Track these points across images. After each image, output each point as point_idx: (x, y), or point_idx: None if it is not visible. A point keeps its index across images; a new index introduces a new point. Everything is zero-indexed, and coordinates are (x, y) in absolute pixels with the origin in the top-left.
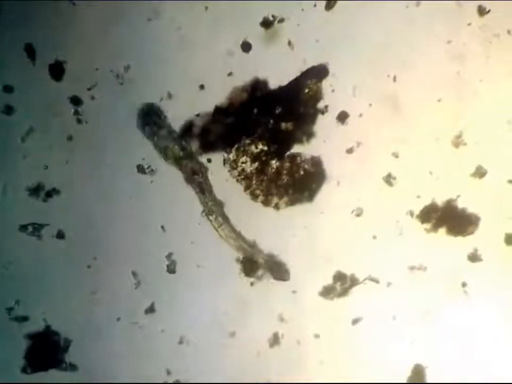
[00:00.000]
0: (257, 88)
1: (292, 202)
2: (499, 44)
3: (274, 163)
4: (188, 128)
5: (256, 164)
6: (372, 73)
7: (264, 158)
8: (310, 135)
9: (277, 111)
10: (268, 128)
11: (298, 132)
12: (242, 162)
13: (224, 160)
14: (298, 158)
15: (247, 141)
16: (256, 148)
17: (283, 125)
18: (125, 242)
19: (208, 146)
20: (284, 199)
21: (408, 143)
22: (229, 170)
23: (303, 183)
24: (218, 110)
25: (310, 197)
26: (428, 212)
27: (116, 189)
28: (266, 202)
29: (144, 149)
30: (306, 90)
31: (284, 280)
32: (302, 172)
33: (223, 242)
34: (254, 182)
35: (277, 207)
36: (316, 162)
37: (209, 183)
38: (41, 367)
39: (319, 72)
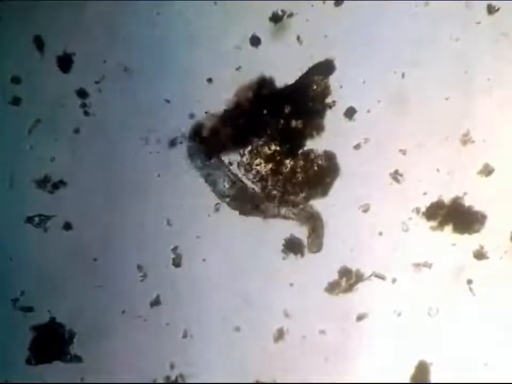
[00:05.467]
0: (263, 86)
1: (307, 199)
2: (507, 43)
3: (288, 162)
4: (197, 131)
5: (271, 165)
6: (380, 69)
7: (278, 158)
8: (320, 129)
9: (286, 110)
10: (278, 128)
11: (308, 129)
12: (256, 165)
13: (238, 163)
14: (312, 154)
15: (260, 143)
16: (269, 149)
17: (293, 123)
18: (131, 235)
19: (217, 149)
20: (299, 196)
21: (415, 140)
22: (244, 174)
23: (317, 178)
24: (227, 113)
25: (324, 192)
26: (435, 209)
27: (123, 182)
28: (283, 202)
29: (151, 142)
30: (314, 87)
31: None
32: (315, 168)
33: (228, 237)
34: (269, 183)
35: (293, 204)
36: (329, 157)
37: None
38: (46, 358)
39: (325, 68)
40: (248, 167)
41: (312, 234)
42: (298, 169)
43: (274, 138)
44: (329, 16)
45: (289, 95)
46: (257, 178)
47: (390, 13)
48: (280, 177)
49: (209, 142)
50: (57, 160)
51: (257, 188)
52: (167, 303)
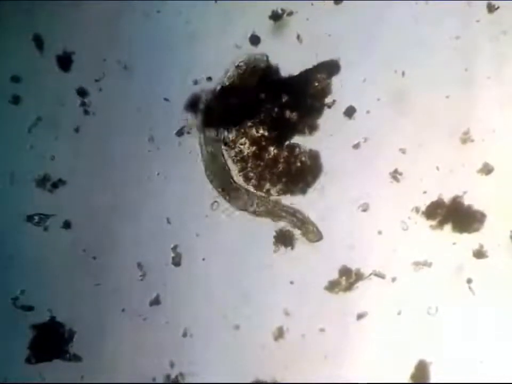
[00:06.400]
0: (267, 74)
1: (284, 191)
2: (507, 41)
3: (272, 150)
4: (193, 102)
5: (254, 148)
6: (380, 68)
7: (263, 143)
8: (313, 128)
9: (283, 99)
10: (272, 115)
11: (301, 123)
12: (241, 144)
13: (223, 138)
14: (297, 149)
15: (249, 124)
16: (257, 132)
17: (287, 114)
18: (131, 234)
19: (210, 123)
20: (276, 187)
21: (415, 139)
22: (226, 150)
23: (298, 174)
24: (225, 89)
25: (304, 190)
26: (434, 208)
27: (122, 181)
28: (258, 187)
29: (151, 141)
30: (316, 84)
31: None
32: (298, 164)
33: (227, 235)
34: (249, 165)
35: (268, 193)
36: (313, 156)
37: None
38: (45, 357)
39: (330, 68)
40: (231, 144)
41: (302, 226)
42: (281, 160)
43: (264, 123)
44: (329, 14)
45: (290, 85)
46: (238, 158)
47: (390, 12)
48: (261, 163)
49: (203, 115)
50: (57, 158)
51: (236, 168)
52: (167, 302)
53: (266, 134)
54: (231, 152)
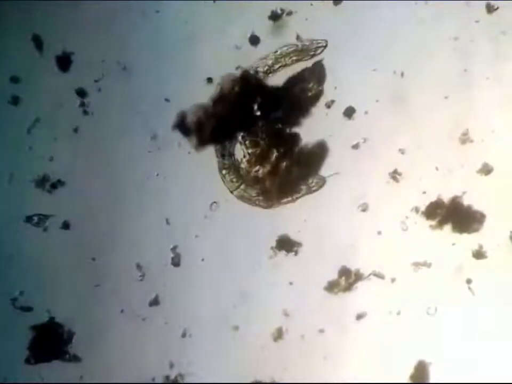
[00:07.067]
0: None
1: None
2: (506, 41)
3: (284, 164)
4: (181, 121)
5: (268, 167)
6: (379, 68)
7: (275, 162)
8: (314, 130)
9: (279, 114)
10: (273, 132)
11: (302, 130)
12: (256, 171)
13: (238, 170)
14: (304, 148)
15: (257, 151)
16: (268, 156)
17: (287, 127)
18: (130, 235)
19: (204, 140)
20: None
21: (414, 139)
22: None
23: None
24: (214, 104)
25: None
26: (434, 208)
27: (121, 181)
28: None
29: (150, 142)
30: (309, 94)
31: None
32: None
33: (227, 236)
34: (267, 184)
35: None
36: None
37: None
38: (45, 358)
39: (319, 74)
40: (247, 173)
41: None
42: (294, 167)
43: (271, 145)
44: (328, 15)
45: (283, 100)
46: (255, 182)
47: (389, 12)
48: (278, 178)
49: (195, 133)
50: (56, 159)
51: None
52: (166, 302)
53: (276, 153)
54: (249, 182)
